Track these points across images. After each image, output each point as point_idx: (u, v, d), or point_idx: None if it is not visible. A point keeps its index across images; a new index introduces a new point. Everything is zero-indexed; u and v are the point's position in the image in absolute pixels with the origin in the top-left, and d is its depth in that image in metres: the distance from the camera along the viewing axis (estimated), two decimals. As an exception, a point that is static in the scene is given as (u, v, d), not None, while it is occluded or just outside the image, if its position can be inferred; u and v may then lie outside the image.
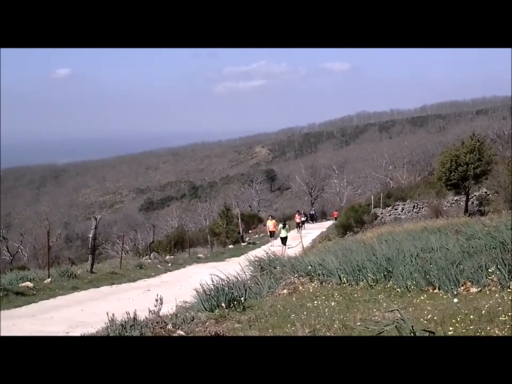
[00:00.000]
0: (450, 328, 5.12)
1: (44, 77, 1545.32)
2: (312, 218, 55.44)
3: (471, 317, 5.53)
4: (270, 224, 33.94)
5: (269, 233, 34.67)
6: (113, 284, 17.48)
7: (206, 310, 8.41)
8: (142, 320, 7.79)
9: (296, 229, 40.77)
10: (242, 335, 6.00)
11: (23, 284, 15.32)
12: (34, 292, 14.70)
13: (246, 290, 9.36)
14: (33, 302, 13.47)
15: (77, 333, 8.85)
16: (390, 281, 8.96)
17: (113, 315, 7.94)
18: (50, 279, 16.60)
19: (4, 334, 9.94)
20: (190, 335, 6.42)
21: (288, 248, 26.25)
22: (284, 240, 29.12)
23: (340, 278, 9.85)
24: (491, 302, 6.24)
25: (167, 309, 8.79)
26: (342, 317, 6.46)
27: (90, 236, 19.87)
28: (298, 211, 46.32)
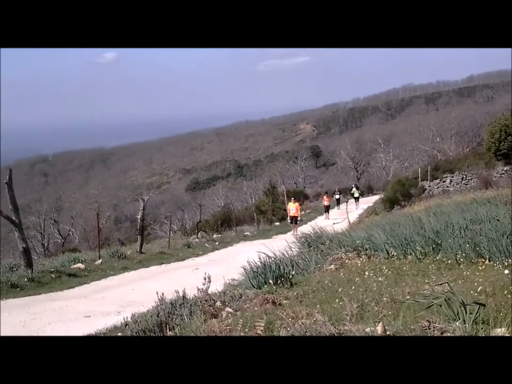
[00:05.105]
0: (502, 300, 5.02)
1: (90, 61, 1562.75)
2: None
3: (524, 288, 5.40)
4: (292, 207, 27.55)
5: (289, 219, 28.45)
6: (162, 263, 17.78)
7: (254, 287, 8.44)
8: (191, 298, 7.90)
9: (325, 214, 33.83)
10: (290, 311, 5.99)
11: (75, 266, 15.72)
12: (86, 273, 15.08)
13: (293, 266, 9.31)
14: (85, 283, 13.82)
15: (128, 312, 9.00)
16: (439, 254, 8.82)
17: (162, 294, 8.07)
18: (101, 260, 16.97)
19: (58, 315, 10.24)
20: (238, 312, 6.46)
21: (334, 224, 25.97)
22: (357, 199, 38.59)
23: (388, 252, 9.74)
24: (544, 272, 6.09)
25: (215, 287, 8.86)
26: (390, 290, 6.40)
27: (139, 217, 20.22)
28: (326, 192, 37.64)
